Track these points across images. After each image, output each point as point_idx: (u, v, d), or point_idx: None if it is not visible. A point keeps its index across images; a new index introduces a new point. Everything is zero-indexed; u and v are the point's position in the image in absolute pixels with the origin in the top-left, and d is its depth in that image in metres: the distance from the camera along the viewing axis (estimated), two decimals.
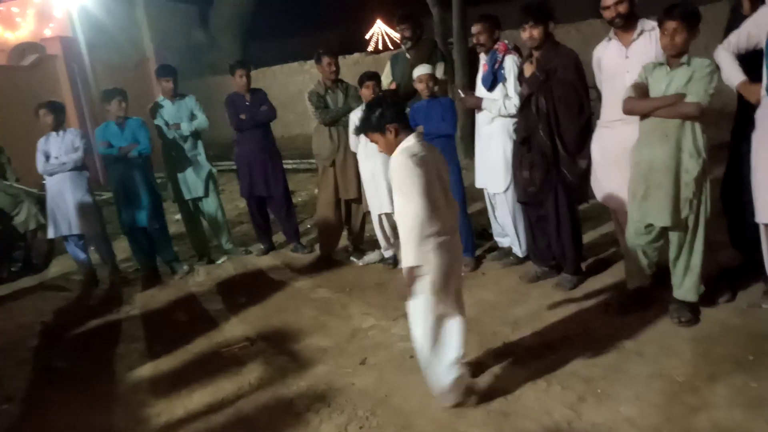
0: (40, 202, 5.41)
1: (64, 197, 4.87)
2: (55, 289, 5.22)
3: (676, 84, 2.92)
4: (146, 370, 3.48)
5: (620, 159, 3.28)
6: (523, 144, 3.70)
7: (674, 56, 2.93)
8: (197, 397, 3.08)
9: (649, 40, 3.27)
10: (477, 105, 4.07)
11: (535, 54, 3.61)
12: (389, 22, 18.62)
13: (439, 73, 4.62)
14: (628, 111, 3.11)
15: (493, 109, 3.96)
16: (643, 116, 3.05)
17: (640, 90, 3.05)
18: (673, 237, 3.11)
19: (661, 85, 2.98)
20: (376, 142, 2.57)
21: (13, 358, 3.84)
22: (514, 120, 3.97)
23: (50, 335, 4.22)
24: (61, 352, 3.84)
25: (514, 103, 3.87)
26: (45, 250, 5.79)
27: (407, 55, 4.84)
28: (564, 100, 3.50)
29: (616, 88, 3.27)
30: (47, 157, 4.86)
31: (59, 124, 4.90)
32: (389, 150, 2.54)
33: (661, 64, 3.02)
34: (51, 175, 4.87)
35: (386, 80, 4.83)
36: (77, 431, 2.90)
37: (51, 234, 5.16)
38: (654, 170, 3.02)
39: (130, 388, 3.30)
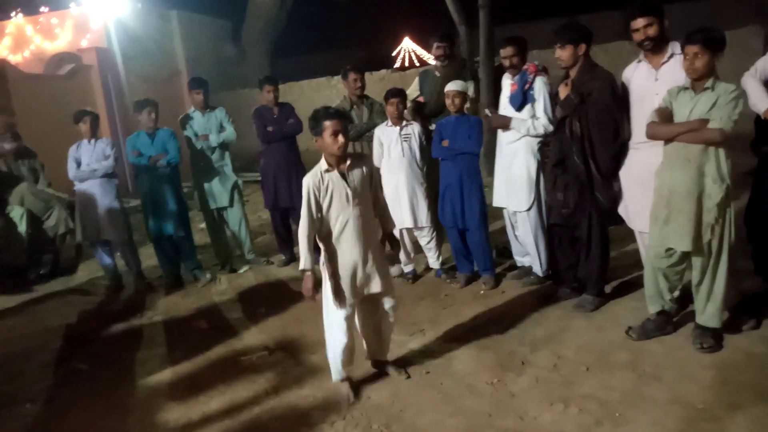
0: (70, 207, 5.56)
1: (94, 203, 5.00)
2: (81, 293, 5.34)
3: (700, 109, 2.91)
4: (166, 375, 3.53)
5: (646, 181, 3.26)
6: (557, 166, 3.70)
7: (697, 80, 2.93)
8: (214, 404, 3.12)
9: (679, 64, 3.26)
10: (505, 124, 4.08)
11: (571, 76, 3.61)
12: (416, 40, 18.79)
13: (471, 91, 4.66)
14: (651, 136, 3.11)
15: (522, 129, 3.98)
16: (667, 141, 3.04)
17: (664, 114, 3.04)
18: (696, 262, 3.08)
19: (685, 110, 2.97)
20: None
21: (37, 360, 3.93)
22: (538, 139, 3.98)
23: (74, 338, 4.31)
24: (84, 355, 3.92)
25: (542, 123, 3.88)
26: (73, 255, 5.94)
27: (437, 73, 4.87)
28: (598, 124, 3.48)
29: (644, 111, 3.26)
30: (78, 164, 5.01)
31: (93, 133, 5.06)
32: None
33: (686, 88, 3.01)
34: (81, 181, 5.01)
35: (413, 93, 4.89)
36: None
37: (79, 239, 5.30)
38: (676, 195, 3.00)
39: (149, 392, 3.36)
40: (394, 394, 3.04)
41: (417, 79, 5.05)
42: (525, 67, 3.99)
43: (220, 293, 4.95)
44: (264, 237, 6.62)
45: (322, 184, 2.84)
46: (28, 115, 8.61)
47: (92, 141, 5.04)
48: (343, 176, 2.87)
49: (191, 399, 3.19)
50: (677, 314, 3.36)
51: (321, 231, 2.90)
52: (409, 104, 4.73)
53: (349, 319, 2.96)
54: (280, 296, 4.69)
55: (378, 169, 3.12)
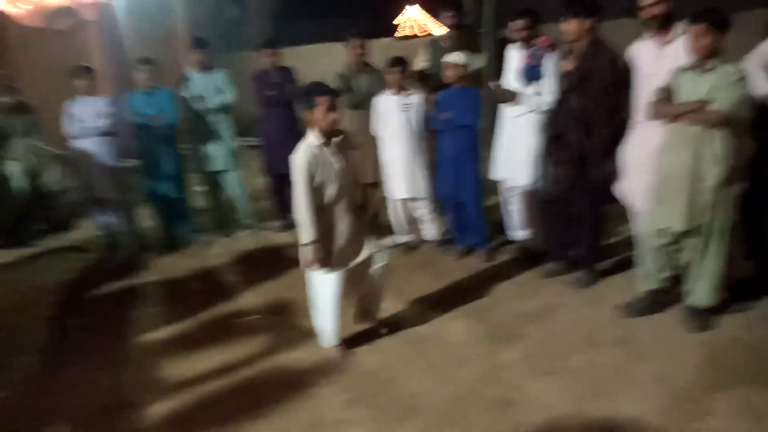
0: (67, 164, 5.53)
1: (91, 161, 4.97)
2: (77, 251, 5.35)
3: (702, 90, 2.90)
4: (160, 334, 3.58)
5: (645, 160, 3.26)
6: (554, 141, 3.69)
7: (701, 61, 2.91)
8: (207, 363, 3.17)
9: (685, 44, 3.24)
10: (511, 99, 4.05)
11: (575, 50, 3.57)
12: (422, 8, 18.47)
13: (480, 63, 4.61)
14: (651, 115, 3.10)
15: (529, 104, 3.95)
16: (668, 120, 3.03)
17: (665, 94, 3.03)
18: (689, 243, 3.10)
19: (687, 91, 2.95)
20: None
21: (33, 314, 3.97)
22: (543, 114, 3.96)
23: (69, 295, 4.35)
24: (79, 311, 3.95)
25: (547, 101, 3.86)
26: (69, 212, 5.93)
27: (442, 44, 4.82)
28: (598, 101, 3.46)
29: (649, 89, 3.23)
30: (75, 120, 4.97)
31: (91, 89, 5.00)
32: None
33: (690, 68, 2.99)
34: (78, 137, 4.97)
35: (420, 63, 4.84)
36: (88, 388, 3.00)
37: (76, 196, 5.29)
38: (673, 175, 3.01)
39: (143, 350, 3.41)
40: (384, 361, 3.09)
41: (424, 49, 4.98)
42: (538, 42, 3.93)
43: (216, 256, 4.97)
44: (261, 202, 6.61)
45: (314, 159, 2.93)
46: (27, 69, 8.49)
47: (90, 98, 4.99)
48: (332, 151, 2.97)
49: (184, 358, 3.24)
50: (668, 294, 3.40)
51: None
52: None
53: (338, 286, 3.06)
54: (275, 261, 4.71)
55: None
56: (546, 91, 3.87)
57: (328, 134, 2.95)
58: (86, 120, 4.94)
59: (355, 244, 3.09)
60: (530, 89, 3.93)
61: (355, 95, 4.70)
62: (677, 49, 3.22)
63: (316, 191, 2.94)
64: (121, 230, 5.35)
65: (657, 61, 3.30)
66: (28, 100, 5.94)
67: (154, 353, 3.34)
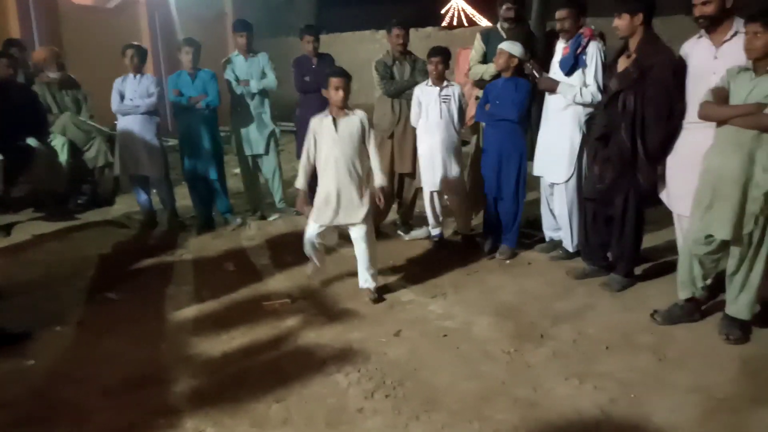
0: (111, 140, 5.66)
1: (134, 139, 5.08)
2: (117, 226, 5.49)
3: (759, 92, 2.76)
4: (192, 311, 3.64)
5: (693, 163, 3.13)
6: (600, 139, 3.58)
7: (757, 61, 2.78)
8: (236, 343, 3.21)
9: (741, 43, 3.08)
10: (552, 88, 3.94)
11: (631, 47, 3.44)
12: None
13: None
14: (703, 116, 2.98)
15: (569, 94, 3.84)
16: (720, 123, 2.91)
17: (719, 95, 2.90)
18: (734, 251, 2.98)
19: (743, 92, 2.82)
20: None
21: (73, 285, 4.09)
22: (587, 110, 3.85)
23: (108, 268, 4.46)
24: (116, 285, 4.05)
25: (591, 91, 3.74)
26: (111, 187, 6.09)
27: (503, 34, 4.59)
28: (654, 102, 3.32)
29: (701, 89, 3.09)
30: (122, 98, 5.08)
31: (139, 68, 5.10)
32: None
33: (746, 69, 2.86)
34: (123, 115, 5.08)
35: (477, 56, 4.67)
36: (123, 361, 3.07)
37: (117, 172, 5.42)
38: (722, 180, 2.89)
39: (176, 326, 3.47)
40: (411, 352, 3.08)
41: (479, 39, 4.70)
42: (581, 31, 3.83)
43: (249, 238, 5.03)
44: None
45: (319, 126, 3.56)
46: (76, 46, 8.71)
47: (137, 76, 5.09)
48: (335, 122, 3.51)
49: (214, 336, 3.29)
50: (706, 303, 3.28)
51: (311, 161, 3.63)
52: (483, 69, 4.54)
53: (311, 234, 3.69)
54: None
55: (370, 125, 3.66)
56: (589, 81, 3.76)
57: (337, 109, 3.52)
58: (132, 98, 5.05)
59: (340, 206, 3.55)
60: (574, 79, 3.82)
61: (394, 83, 4.65)
62: (733, 48, 3.06)
63: (316, 151, 3.58)
64: (158, 208, 5.47)
65: (711, 61, 3.15)
66: (76, 76, 6.09)
67: (186, 330, 3.40)
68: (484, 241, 4.48)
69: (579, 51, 3.78)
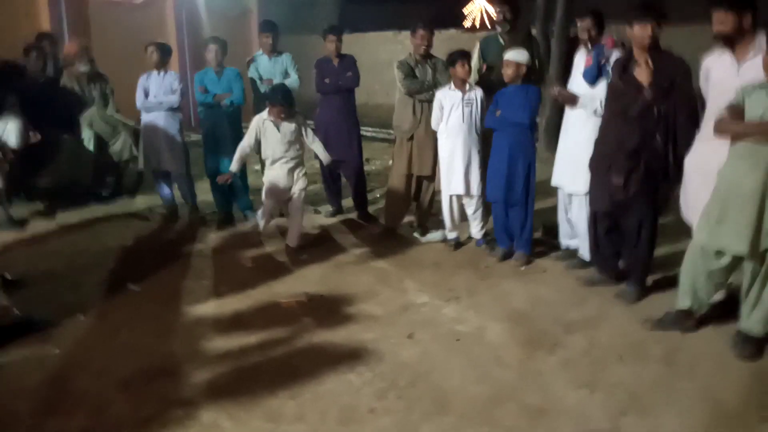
0: (135, 135, 5.77)
1: (157, 134, 5.18)
2: (139, 218, 5.60)
3: None
4: (210, 306, 3.72)
5: (710, 176, 3.13)
6: (617, 149, 3.55)
7: None
8: (249, 339, 3.27)
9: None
10: (573, 101, 3.96)
11: (646, 56, 3.42)
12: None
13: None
14: (718, 132, 2.97)
15: (590, 107, 3.85)
16: (734, 139, 2.90)
17: (735, 112, 2.88)
18: (748, 266, 2.97)
19: (759, 109, 2.79)
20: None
21: (95, 275, 4.19)
22: None
23: (129, 260, 4.56)
24: (137, 277, 4.14)
25: None
26: (134, 181, 6.21)
27: (500, 40, 4.68)
28: (686, 111, 3.34)
29: (720, 105, 3.04)
30: (146, 94, 5.18)
31: (163, 65, 5.19)
32: None
33: (762, 86, 2.84)
34: (148, 111, 5.19)
35: (476, 63, 4.72)
36: (142, 353, 3.15)
37: (141, 166, 5.53)
38: (738, 195, 2.87)
39: (194, 320, 3.55)
40: (423, 354, 3.12)
41: (478, 46, 4.79)
42: (603, 42, 3.83)
43: (267, 236, 5.10)
44: (314, 186, 6.71)
45: (262, 126, 4.47)
46: (104, 40, 8.87)
47: (161, 73, 5.19)
48: (276, 126, 4.40)
49: (231, 332, 3.36)
50: (709, 315, 3.28)
51: (260, 154, 4.65)
52: (473, 77, 4.60)
53: (268, 207, 4.64)
54: (323, 245, 4.81)
55: (305, 121, 4.59)
56: None
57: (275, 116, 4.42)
58: (157, 94, 5.15)
59: (285, 189, 4.56)
60: (598, 89, 3.83)
61: (416, 82, 4.66)
62: (756, 66, 2.99)
63: (257, 145, 4.57)
64: (180, 203, 5.56)
65: (733, 78, 3.09)
66: (103, 70, 6.22)
67: (203, 324, 3.48)
68: (497, 247, 4.49)
69: (603, 62, 3.78)
